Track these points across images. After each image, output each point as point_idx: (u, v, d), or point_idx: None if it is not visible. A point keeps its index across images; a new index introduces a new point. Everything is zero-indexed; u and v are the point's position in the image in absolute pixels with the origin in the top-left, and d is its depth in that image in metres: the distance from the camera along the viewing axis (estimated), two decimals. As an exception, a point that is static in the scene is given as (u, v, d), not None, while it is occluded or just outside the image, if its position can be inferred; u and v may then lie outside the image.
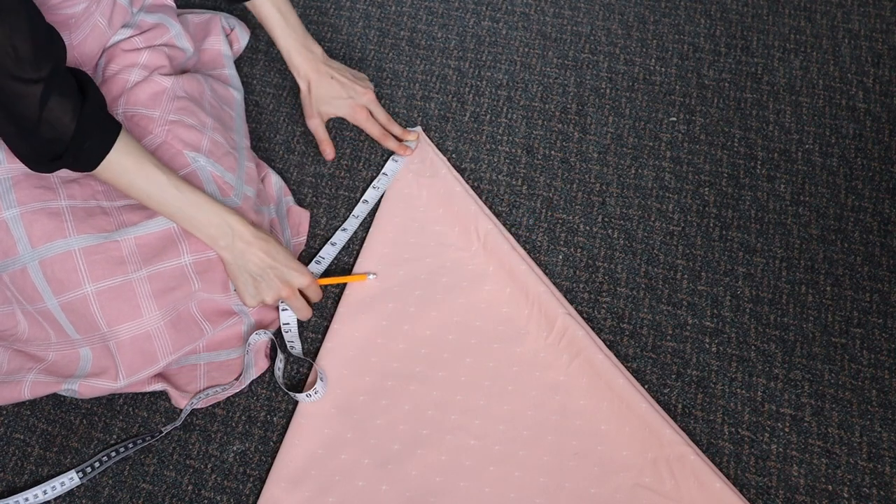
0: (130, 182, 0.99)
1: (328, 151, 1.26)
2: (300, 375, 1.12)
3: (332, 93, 1.22)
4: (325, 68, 1.21)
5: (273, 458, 1.06)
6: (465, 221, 1.20)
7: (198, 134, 1.11)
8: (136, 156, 0.98)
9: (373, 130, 1.24)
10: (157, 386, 1.08)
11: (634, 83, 1.35)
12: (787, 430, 1.07)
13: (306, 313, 1.12)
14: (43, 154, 0.94)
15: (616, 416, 1.05)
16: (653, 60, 1.37)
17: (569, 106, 1.33)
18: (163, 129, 1.10)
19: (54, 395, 1.10)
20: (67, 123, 0.92)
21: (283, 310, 1.12)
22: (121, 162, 0.97)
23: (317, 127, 1.25)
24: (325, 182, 1.26)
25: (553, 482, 1.03)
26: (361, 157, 1.28)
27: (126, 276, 1.01)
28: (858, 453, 1.05)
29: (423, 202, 1.23)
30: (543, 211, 1.23)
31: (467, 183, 1.25)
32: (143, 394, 1.10)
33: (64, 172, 1.03)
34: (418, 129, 1.29)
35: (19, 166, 1.00)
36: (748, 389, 1.09)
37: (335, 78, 1.21)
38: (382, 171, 1.25)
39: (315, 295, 1.12)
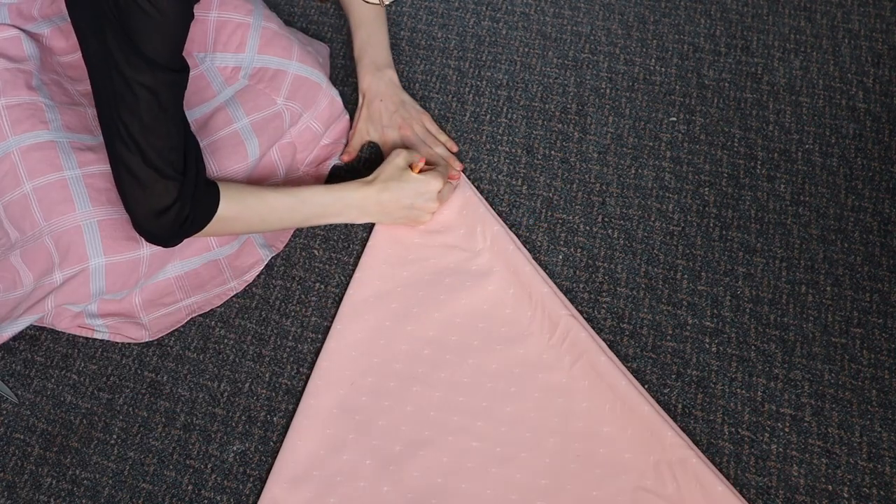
0: (263, 219, 1.10)
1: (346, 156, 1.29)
2: (301, 376, 1.12)
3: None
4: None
5: (273, 458, 1.06)
6: (472, 223, 1.19)
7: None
8: (243, 200, 1.08)
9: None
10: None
11: (634, 83, 1.35)
12: (787, 430, 1.07)
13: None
14: (175, 234, 1.03)
15: (618, 418, 1.05)
16: (653, 60, 1.37)
17: (569, 106, 1.33)
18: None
19: (54, 395, 1.10)
20: (188, 210, 1.02)
21: None
22: (231, 209, 1.07)
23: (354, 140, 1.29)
24: (328, 183, 1.26)
25: (555, 484, 1.03)
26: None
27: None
28: (858, 453, 1.05)
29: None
30: (543, 211, 1.23)
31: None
32: (143, 395, 1.10)
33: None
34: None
35: None
36: (748, 389, 1.09)
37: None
38: None
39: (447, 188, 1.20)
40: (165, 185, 0.98)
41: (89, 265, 1.04)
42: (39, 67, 1.10)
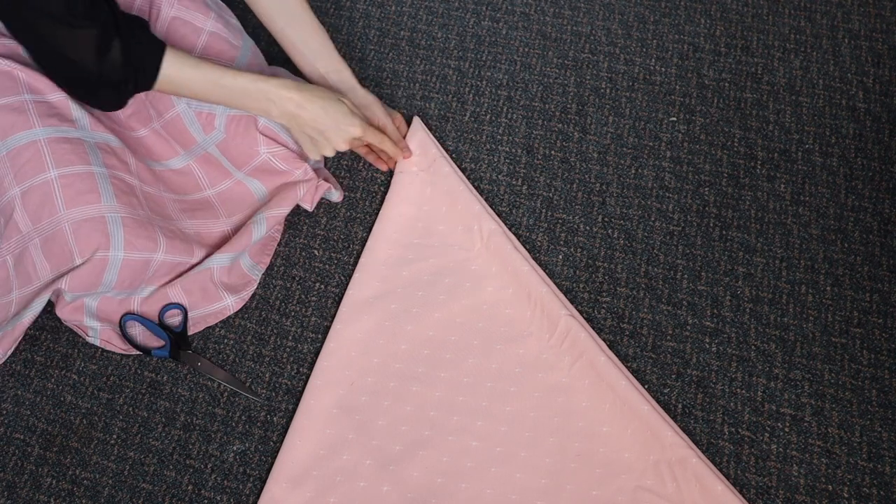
0: (179, 91, 1.07)
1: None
2: (301, 376, 1.12)
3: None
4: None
5: (273, 458, 1.06)
6: (469, 221, 1.19)
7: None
8: (180, 66, 1.05)
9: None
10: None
11: (634, 83, 1.35)
12: (787, 430, 1.07)
13: (391, 148, 1.21)
14: (117, 96, 1.04)
15: (618, 417, 1.05)
16: (653, 60, 1.37)
17: (569, 106, 1.33)
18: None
19: (54, 395, 1.10)
20: (121, 63, 1.00)
21: None
22: (169, 76, 1.04)
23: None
24: (325, 182, 1.26)
25: (555, 484, 1.03)
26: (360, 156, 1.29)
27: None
28: (858, 453, 1.05)
29: (427, 199, 1.22)
30: (543, 211, 1.23)
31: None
32: (143, 395, 1.10)
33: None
34: (417, 120, 1.28)
35: None
36: (748, 389, 1.09)
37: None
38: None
39: (375, 140, 1.18)
40: (80, 34, 0.96)
41: (109, 255, 1.04)
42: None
